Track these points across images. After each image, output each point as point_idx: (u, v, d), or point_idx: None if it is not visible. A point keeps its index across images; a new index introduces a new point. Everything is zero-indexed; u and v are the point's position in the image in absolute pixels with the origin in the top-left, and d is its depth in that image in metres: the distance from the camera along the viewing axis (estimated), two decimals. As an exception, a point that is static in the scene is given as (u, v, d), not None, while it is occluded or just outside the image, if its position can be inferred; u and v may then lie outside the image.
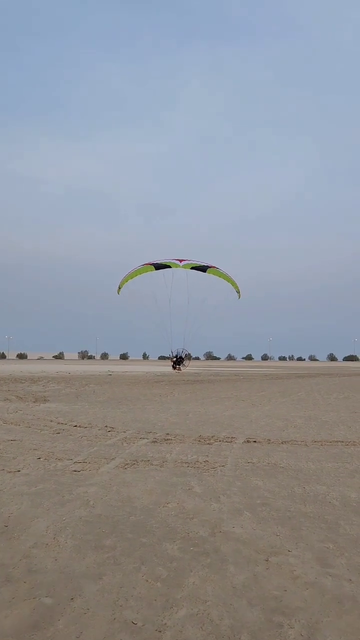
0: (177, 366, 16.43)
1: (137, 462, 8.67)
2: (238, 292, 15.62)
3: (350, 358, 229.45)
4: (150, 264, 16.54)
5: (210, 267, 15.87)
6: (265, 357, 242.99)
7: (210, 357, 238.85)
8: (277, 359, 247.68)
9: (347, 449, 10.16)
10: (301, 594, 3.92)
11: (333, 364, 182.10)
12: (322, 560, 4.59)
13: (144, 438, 11.14)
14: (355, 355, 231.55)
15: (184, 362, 15.29)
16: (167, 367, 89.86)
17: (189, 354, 14.59)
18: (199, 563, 4.49)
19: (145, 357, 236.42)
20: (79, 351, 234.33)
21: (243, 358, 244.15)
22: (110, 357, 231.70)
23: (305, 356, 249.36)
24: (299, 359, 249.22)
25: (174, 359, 15.29)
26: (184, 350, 14.87)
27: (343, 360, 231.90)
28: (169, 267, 16.20)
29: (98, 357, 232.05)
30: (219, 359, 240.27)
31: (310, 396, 24.54)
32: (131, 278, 16.49)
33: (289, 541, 5.06)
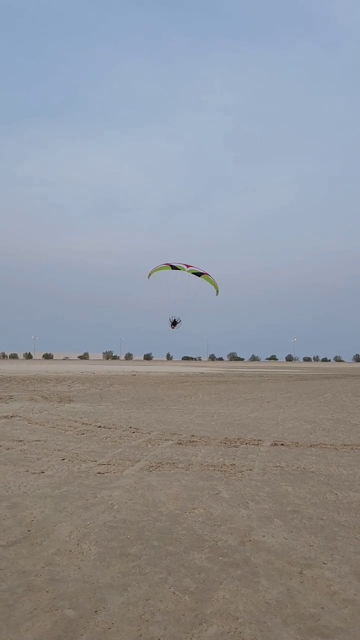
0: (174, 326, 20.48)
1: (162, 465, 8.46)
2: (217, 292, 19.39)
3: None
4: (169, 264, 19.17)
5: (204, 273, 19.13)
6: (289, 358, 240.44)
7: (234, 357, 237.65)
8: (302, 360, 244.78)
9: (380, 454, 9.77)
10: (340, 612, 3.65)
11: (359, 365, 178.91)
12: (361, 574, 4.29)
13: (168, 440, 10.93)
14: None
15: (177, 324, 19.89)
16: (191, 367, 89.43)
17: (180, 320, 19.48)
18: (228, 575, 4.25)
19: (169, 357, 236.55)
20: (104, 351, 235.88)
21: (267, 359, 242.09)
22: (134, 358, 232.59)
23: (331, 357, 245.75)
24: (324, 359, 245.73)
25: (172, 321, 19.64)
26: (179, 317, 19.23)
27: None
28: (179, 269, 19.08)
29: (122, 357, 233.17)
30: (242, 359, 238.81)
31: (338, 398, 24.00)
32: (158, 271, 19.18)
33: (323, 553, 4.78)
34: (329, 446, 10.54)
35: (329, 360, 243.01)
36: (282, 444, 10.65)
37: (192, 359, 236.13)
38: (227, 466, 8.46)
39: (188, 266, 20.22)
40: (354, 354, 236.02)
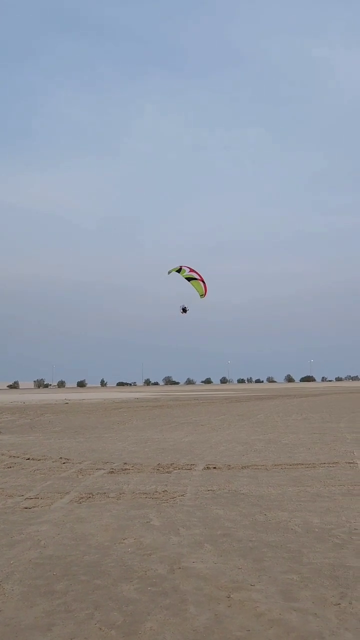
0: (184, 312, 22.23)
1: (93, 496, 8.27)
2: (201, 295, 21.70)
3: (307, 379, 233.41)
4: (181, 266, 21.63)
5: (195, 279, 20.62)
6: (224, 380, 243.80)
7: (169, 382, 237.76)
8: (236, 382, 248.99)
9: (308, 472, 10.08)
10: (266, 633, 3.69)
11: (290, 385, 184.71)
12: (287, 593, 4.38)
13: (100, 469, 10.72)
14: (312, 376, 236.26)
15: (187, 311, 21.68)
16: (126, 393, 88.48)
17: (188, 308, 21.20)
18: (157, 605, 4.20)
19: (103, 384, 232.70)
20: (35, 380, 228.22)
21: (202, 382, 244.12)
22: (67, 385, 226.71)
23: (264, 378, 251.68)
24: (258, 381, 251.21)
25: (182, 308, 21.40)
26: (188, 306, 20.96)
27: (300, 381, 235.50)
28: (181, 272, 21.53)
29: (54, 385, 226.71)
30: (178, 383, 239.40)
31: (270, 418, 24.58)
32: (172, 271, 21.63)
33: (251, 574, 4.83)
34: (260, 467, 10.75)
35: (262, 382, 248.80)
36: (215, 467, 10.73)
37: (127, 384, 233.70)
38: (159, 493, 8.41)
39: (191, 270, 21.62)
40: (286, 374, 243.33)
